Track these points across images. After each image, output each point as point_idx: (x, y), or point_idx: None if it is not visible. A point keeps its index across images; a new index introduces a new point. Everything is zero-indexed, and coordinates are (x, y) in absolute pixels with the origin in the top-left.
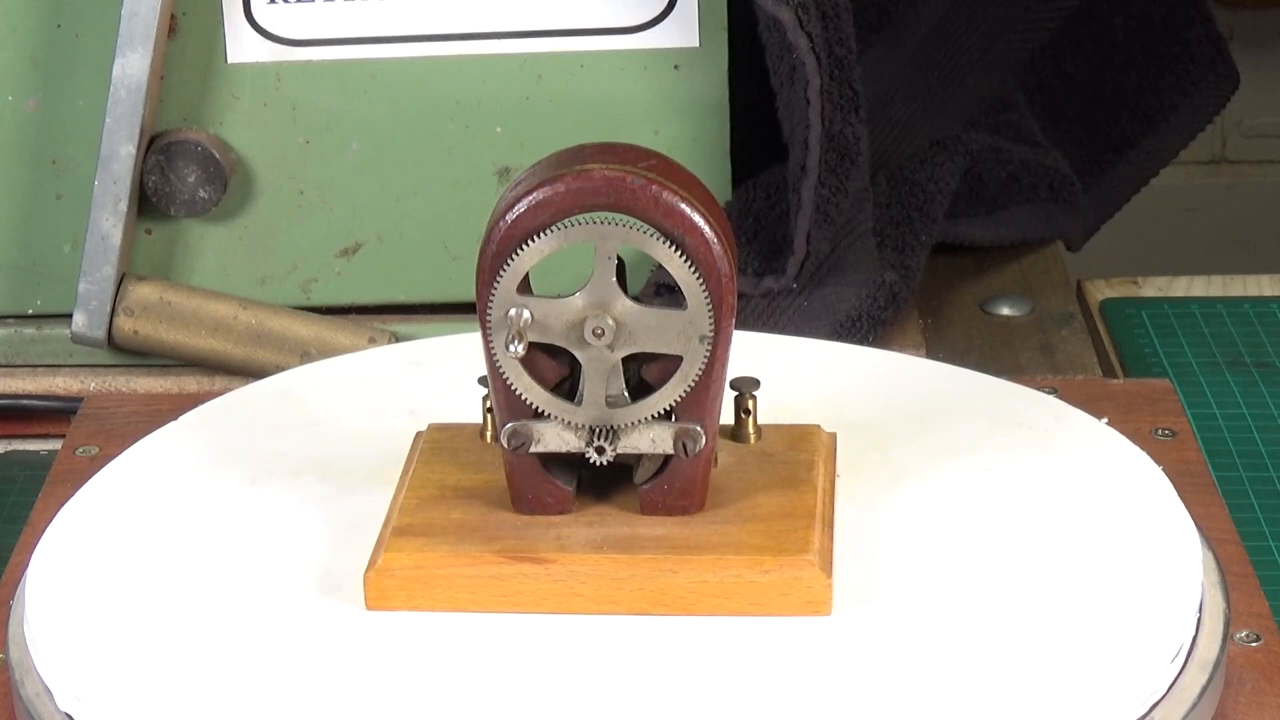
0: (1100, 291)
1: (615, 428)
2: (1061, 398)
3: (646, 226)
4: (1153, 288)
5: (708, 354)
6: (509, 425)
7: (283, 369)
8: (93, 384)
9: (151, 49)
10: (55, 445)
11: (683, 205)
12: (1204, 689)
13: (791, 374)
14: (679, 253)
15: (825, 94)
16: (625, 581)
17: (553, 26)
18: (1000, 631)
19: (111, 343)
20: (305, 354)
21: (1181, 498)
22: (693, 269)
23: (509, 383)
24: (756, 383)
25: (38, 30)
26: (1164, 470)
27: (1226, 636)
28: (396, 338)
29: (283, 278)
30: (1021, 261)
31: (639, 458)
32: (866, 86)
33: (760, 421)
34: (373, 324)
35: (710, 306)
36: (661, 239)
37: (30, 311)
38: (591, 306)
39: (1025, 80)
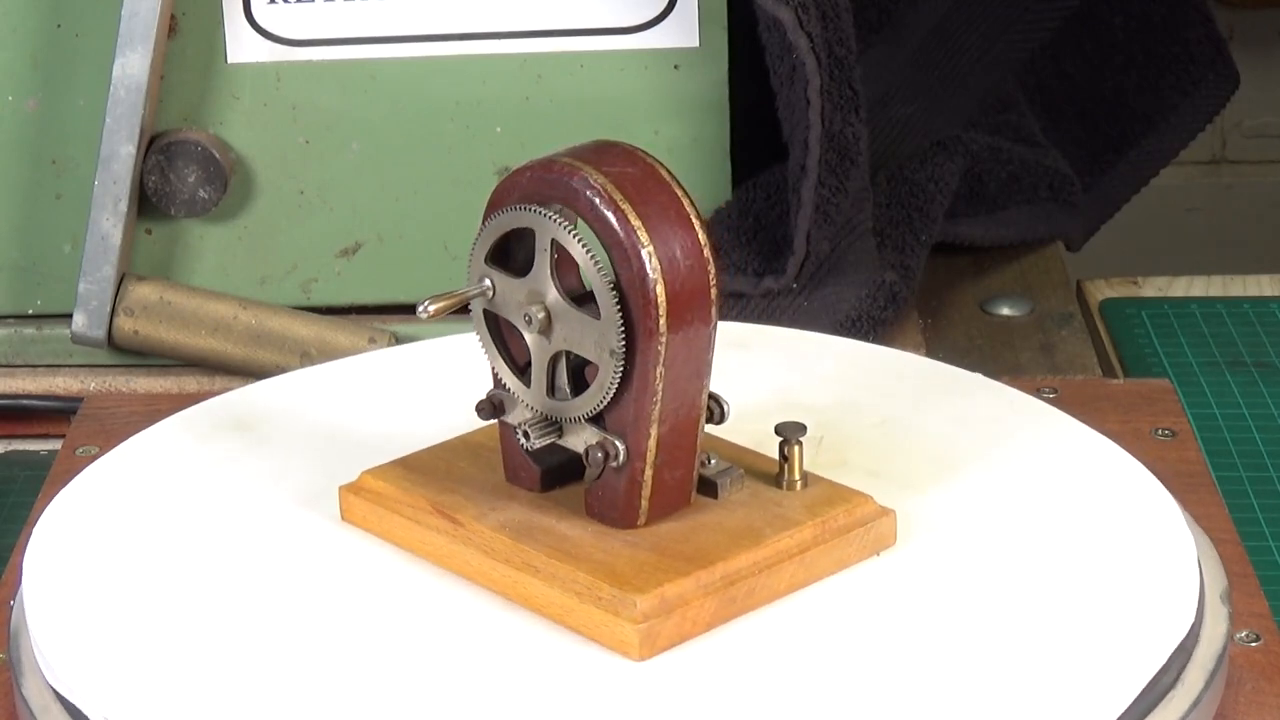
0: (1100, 291)
1: (559, 419)
2: (1061, 398)
3: (579, 228)
4: (1153, 288)
5: (619, 369)
6: (489, 392)
7: (283, 369)
8: (93, 384)
9: (151, 49)
10: (55, 445)
11: (615, 217)
12: (1204, 689)
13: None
14: (597, 264)
15: (825, 94)
16: (500, 564)
17: (553, 26)
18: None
19: (111, 343)
20: (305, 354)
21: (1182, 498)
22: (610, 283)
23: (483, 350)
24: (801, 428)
25: (38, 30)
26: (1164, 470)
27: (1227, 637)
28: (396, 338)
29: (283, 278)
30: (1021, 261)
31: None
32: (866, 86)
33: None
34: (373, 324)
35: (622, 323)
36: (587, 246)
37: (30, 311)
38: (531, 294)
39: (1025, 80)
